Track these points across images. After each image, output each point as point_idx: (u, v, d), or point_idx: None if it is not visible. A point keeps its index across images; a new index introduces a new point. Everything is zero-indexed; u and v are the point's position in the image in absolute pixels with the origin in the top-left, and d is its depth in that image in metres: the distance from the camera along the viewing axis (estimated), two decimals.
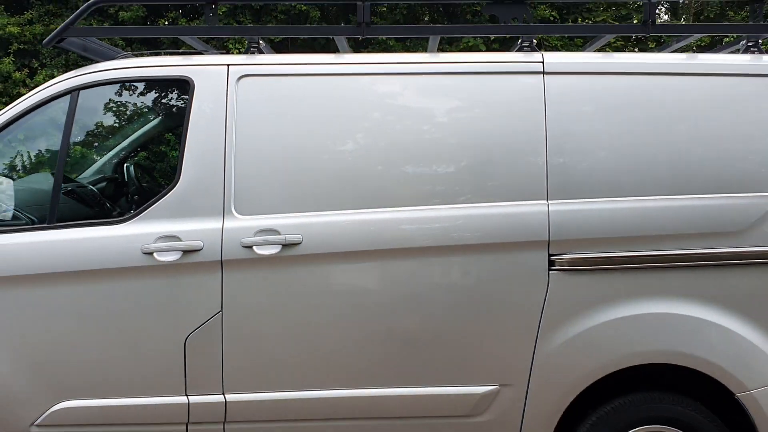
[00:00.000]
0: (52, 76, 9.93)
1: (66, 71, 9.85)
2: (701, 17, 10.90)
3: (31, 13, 10.34)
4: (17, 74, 10.09)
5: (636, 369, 3.12)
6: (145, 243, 3.09)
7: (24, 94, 9.13)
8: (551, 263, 3.06)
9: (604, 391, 3.15)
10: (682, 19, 11.33)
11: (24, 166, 3.90)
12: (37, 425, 3.18)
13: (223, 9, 9.60)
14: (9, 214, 3.41)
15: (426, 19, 10.85)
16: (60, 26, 3.34)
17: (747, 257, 3.06)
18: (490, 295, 3.10)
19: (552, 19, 10.40)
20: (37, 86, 8.51)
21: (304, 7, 9.92)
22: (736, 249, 3.06)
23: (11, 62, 10.02)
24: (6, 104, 10.01)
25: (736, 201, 3.09)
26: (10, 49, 10.14)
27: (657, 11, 9.96)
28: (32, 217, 3.48)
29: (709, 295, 3.07)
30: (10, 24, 10.00)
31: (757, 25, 3.36)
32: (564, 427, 3.17)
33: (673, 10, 11.61)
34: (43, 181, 3.90)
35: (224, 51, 5.33)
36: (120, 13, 10.12)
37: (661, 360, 3.09)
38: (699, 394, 3.19)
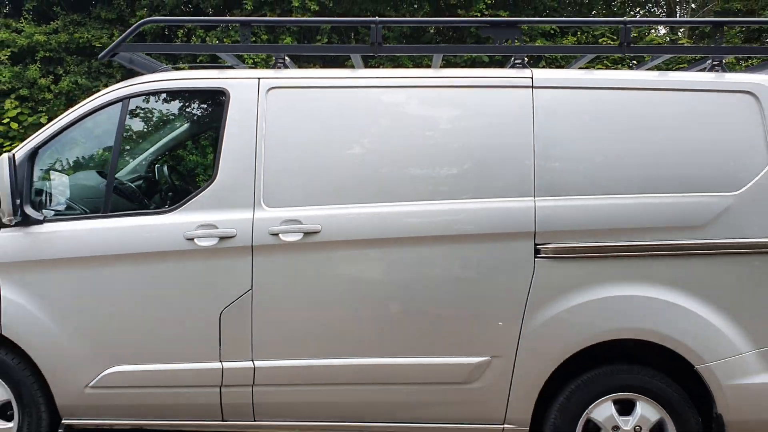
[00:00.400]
0: (76, 83, 10.48)
1: (88, 78, 10.35)
2: (696, 31, 11.42)
3: (56, 23, 10.85)
4: (42, 80, 10.58)
5: (610, 344, 3.58)
6: (187, 230, 3.59)
7: (49, 99, 9.63)
8: (537, 251, 3.53)
9: (583, 363, 3.61)
10: (679, 33, 11.84)
11: (79, 164, 4.40)
12: (91, 387, 3.68)
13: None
14: (65, 206, 3.91)
15: (431, 30, 11.39)
16: (114, 43, 3.85)
17: (708, 248, 3.51)
18: (484, 279, 3.57)
19: (552, 32, 10.93)
20: (60, 92, 9.01)
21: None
22: (698, 240, 3.51)
23: (37, 69, 10.54)
24: (32, 108, 10.54)
25: (700, 199, 3.54)
26: (37, 56, 10.65)
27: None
28: (84, 208, 3.99)
29: (674, 280, 3.52)
30: (36, 33, 10.51)
31: (719, 47, 3.84)
32: (547, 393, 3.63)
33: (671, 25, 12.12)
34: (90, 177, 4.40)
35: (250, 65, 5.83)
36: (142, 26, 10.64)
37: (631, 336, 3.55)
38: (664, 366, 3.64)
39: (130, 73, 10.47)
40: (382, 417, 3.69)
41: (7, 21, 10.83)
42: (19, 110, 10.49)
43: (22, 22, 10.74)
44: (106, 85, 10.63)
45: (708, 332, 3.50)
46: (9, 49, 10.53)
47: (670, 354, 3.55)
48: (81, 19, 10.99)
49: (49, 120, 10.45)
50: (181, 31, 10.78)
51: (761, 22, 4.50)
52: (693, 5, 12.12)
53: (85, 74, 10.74)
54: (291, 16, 10.39)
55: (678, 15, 12.20)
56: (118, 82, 10.33)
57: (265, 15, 10.46)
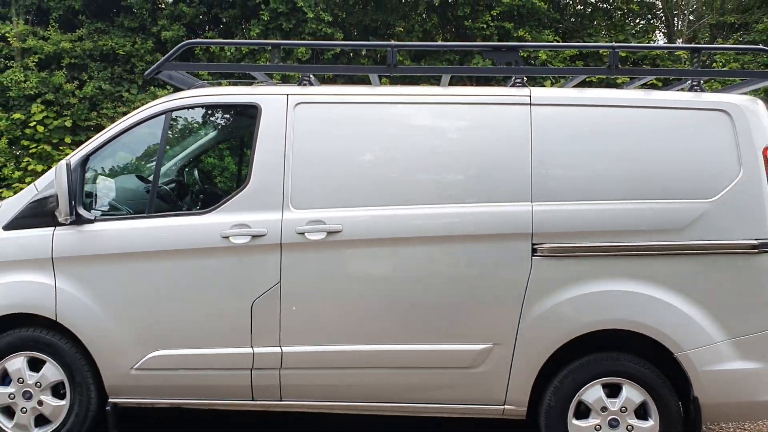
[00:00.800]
0: (99, 88, 10.97)
1: (111, 84, 10.77)
2: (693, 42, 11.83)
3: (81, 31, 11.33)
4: (68, 85, 11.06)
5: (599, 334, 4.00)
6: (223, 229, 4.04)
7: (73, 103, 10.11)
8: (534, 251, 3.96)
9: (575, 351, 4.03)
10: (678, 42, 12.25)
11: (124, 170, 4.86)
12: (136, 369, 4.12)
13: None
14: (111, 206, 4.37)
15: (439, 40, 11.83)
16: (159, 62, 4.29)
17: (686, 249, 3.94)
18: (486, 274, 4.01)
19: (556, 41, 11.37)
20: (84, 97, 9.52)
21: (329, 30, 10.94)
22: (678, 242, 3.94)
23: (63, 75, 11.02)
24: (57, 112, 11.03)
25: (679, 205, 3.96)
26: (62, 63, 11.14)
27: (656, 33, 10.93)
28: (127, 209, 4.45)
29: (656, 277, 3.94)
30: (63, 40, 11.01)
31: (697, 70, 4.27)
32: (543, 377, 4.06)
33: (669, 36, 12.54)
34: (132, 181, 4.85)
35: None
36: (162, 33, 11.11)
37: (618, 326, 3.97)
38: (647, 354, 4.04)
39: (150, 79, 10.99)
40: (396, 398, 4.13)
41: (34, 29, 11.30)
42: (45, 114, 11.00)
43: (49, 30, 11.21)
44: (128, 91, 11.16)
45: (686, 323, 3.92)
46: (36, 56, 11.05)
47: (652, 343, 3.97)
48: (105, 28, 11.47)
49: (74, 123, 10.96)
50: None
51: (735, 48, 4.91)
52: (690, 17, 12.53)
53: (108, 80, 11.23)
54: (305, 27, 10.86)
55: (676, 26, 12.59)
56: (139, 87, 10.85)
57: (281, 25, 10.93)
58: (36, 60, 11.08)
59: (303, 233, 4.00)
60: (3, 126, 10.92)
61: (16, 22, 11.34)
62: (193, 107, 4.42)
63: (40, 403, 4.17)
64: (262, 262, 4.04)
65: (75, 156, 4.19)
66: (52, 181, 4.14)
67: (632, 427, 3.96)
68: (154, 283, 4.10)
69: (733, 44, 11.32)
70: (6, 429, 4.18)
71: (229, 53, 10.88)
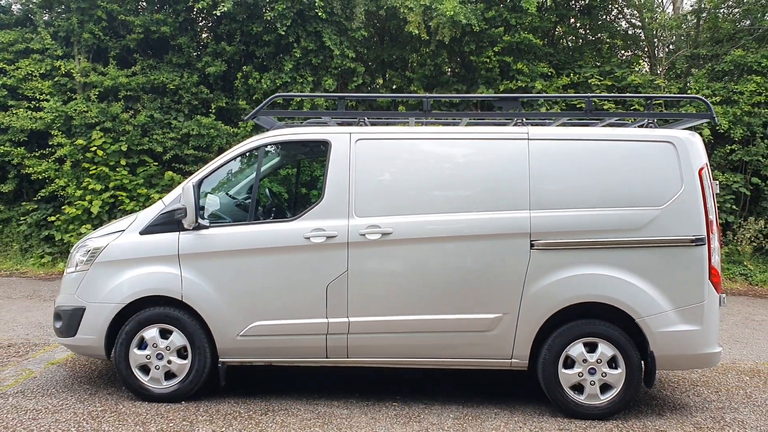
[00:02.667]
0: (151, 117, 12.39)
1: (161, 112, 12.39)
2: (671, 73, 13.28)
3: (135, 67, 12.78)
4: (124, 115, 12.51)
5: (581, 305, 5.35)
6: (305, 232, 5.46)
7: (128, 130, 11.71)
8: (532, 245, 5.37)
9: (563, 318, 5.40)
10: (659, 71, 13.72)
11: (227, 188, 6.27)
12: (241, 336, 5.49)
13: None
14: (217, 216, 5.79)
15: (448, 72, 13.30)
16: (255, 110, 5.74)
17: (643, 243, 5.32)
18: (497, 263, 5.40)
19: (549, 74, 12.84)
20: (138, 124, 11.19)
21: (352, 65, 12.42)
22: (637, 238, 5.31)
23: (120, 105, 12.47)
24: (114, 138, 12.45)
25: (638, 211, 5.35)
26: (119, 95, 12.58)
27: (641, 62, 12.46)
28: (228, 218, 5.87)
29: (622, 263, 5.30)
30: (119, 76, 12.45)
31: (651, 113, 5.71)
32: (539, 338, 5.44)
33: (651, 65, 14.02)
34: (225, 197, 6.24)
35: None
36: (207, 68, 12.56)
37: (594, 300, 5.32)
38: (616, 320, 5.39)
39: (195, 109, 12.55)
40: (432, 355, 5.50)
41: (94, 65, 12.75)
42: (103, 140, 12.42)
43: (108, 67, 12.63)
44: (175, 119, 12.61)
45: (644, 297, 5.28)
46: (96, 89, 12.47)
47: (619, 312, 5.32)
48: (155, 64, 12.89)
49: (128, 148, 12.39)
50: (240, 73, 12.65)
51: (678, 97, 6.33)
52: (669, 47, 13.99)
53: (158, 109, 12.66)
54: (332, 62, 12.32)
55: (657, 55, 14.03)
56: (185, 117, 12.33)
57: (310, 61, 12.38)
58: (96, 93, 12.49)
59: (364, 234, 5.41)
60: (67, 150, 12.33)
61: (78, 60, 12.80)
62: (280, 143, 5.91)
63: (169, 362, 5.55)
64: (334, 256, 5.43)
65: (194, 179, 5.61)
66: (178, 197, 5.58)
67: (605, 373, 5.33)
68: (255, 271, 5.48)
69: (705, 73, 12.83)
70: (143, 381, 5.58)
71: (265, 85, 12.33)
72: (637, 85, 12.49)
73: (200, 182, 5.63)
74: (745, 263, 12.66)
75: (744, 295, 11.72)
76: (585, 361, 5.36)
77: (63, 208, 12.52)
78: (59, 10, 13.09)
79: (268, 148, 6.05)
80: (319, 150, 5.99)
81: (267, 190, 6.67)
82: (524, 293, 5.37)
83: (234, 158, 5.77)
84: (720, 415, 5.60)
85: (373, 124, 6.16)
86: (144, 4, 13.36)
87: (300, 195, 9.07)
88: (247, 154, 5.82)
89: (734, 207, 12.91)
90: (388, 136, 5.69)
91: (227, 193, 6.33)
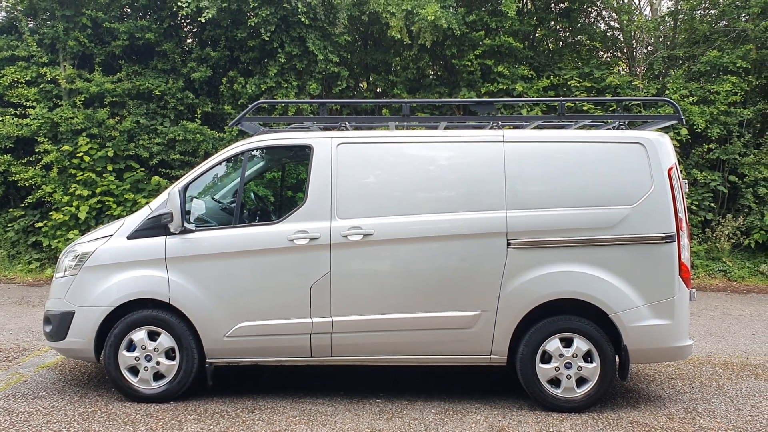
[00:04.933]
0: (137, 122, 12.47)
1: (147, 118, 12.46)
2: (649, 74, 13.54)
3: (121, 74, 12.85)
4: (110, 121, 12.58)
5: (557, 302, 5.51)
6: (288, 234, 5.61)
7: (114, 136, 11.79)
8: (509, 244, 5.53)
9: (540, 314, 5.55)
10: (638, 71, 13.96)
11: (211, 193, 6.42)
12: (227, 336, 5.62)
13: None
14: (202, 220, 5.93)
15: (431, 75, 13.48)
16: (239, 116, 5.90)
17: (615, 240, 5.49)
18: (476, 262, 5.56)
19: (530, 76, 13.06)
20: (124, 130, 11.30)
21: (336, 69, 12.58)
22: (609, 236, 5.48)
23: (106, 112, 12.55)
24: (100, 144, 12.52)
25: (610, 210, 5.52)
26: (105, 101, 12.66)
27: (619, 59, 12.75)
28: (213, 221, 6.01)
29: (595, 260, 5.47)
30: (105, 82, 12.53)
31: (622, 115, 5.92)
32: (517, 334, 5.60)
33: (630, 66, 14.27)
34: (210, 201, 6.38)
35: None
36: (192, 74, 12.67)
37: (569, 296, 5.49)
38: (591, 316, 5.55)
39: (181, 114, 12.66)
40: (414, 352, 5.65)
41: (80, 72, 12.83)
42: (90, 146, 12.50)
43: (93, 74, 12.71)
44: (161, 124, 12.69)
45: (616, 293, 5.44)
46: (82, 96, 12.56)
47: (593, 307, 5.48)
48: (141, 70, 12.99)
49: (115, 153, 12.46)
50: (225, 79, 12.79)
51: (648, 100, 6.51)
52: (647, 48, 14.25)
53: (144, 115, 12.75)
54: (316, 67, 12.48)
55: (636, 56, 14.28)
56: (171, 122, 12.41)
57: (294, 65, 12.53)
58: (82, 99, 12.57)
59: (346, 236, 5.56)
60: (54, 157, 12.40)
61: (64, 66, 12.87)
62: (263, 148, 6.06)
63: (158, 363, 5.69)
64: (317, 257, 5.58)
65: (180, 184, 5.75)
66: (164, 202, 5.72)
67: (581, 367, 5.51)
68: (240, 273, 5.62)
69: (682, 74, 13.10)
70: (132, 382, 5.70)
71: (250, 90, 12.48)
72: (616, 87, 12.73)
73: (186, 187, 5.75)
74: (724, 260, 12.92)
75: (722, 291, 11.97)
76: (561, 355, 5.53)
77: (50, 214, 12.58)
78: (44, 17, 13.15)
79: (252, 153, 6.21)
80: (302, 154, 6.16)
81: (252, 194, 6.83)
82: (502, 291, 5.53)
83: (219, 163, 5.91)
84: (692, 406, 5.80)
85: (355, 129, 6.32)
86: (129, 10, 13.44)
87: (285, 198, 9.27)
88: (232, 159, 5.97)
89: (712, 205, 13.18)
90: (369, 140, 5.85)
91: (213, 198, 6.47)
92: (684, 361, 7.11)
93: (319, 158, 5.72)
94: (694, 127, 12.49)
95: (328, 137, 5.80)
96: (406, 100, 5.83)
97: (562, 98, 5.83)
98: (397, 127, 6.39)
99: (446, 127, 6.33)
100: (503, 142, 5.71)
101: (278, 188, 10.02)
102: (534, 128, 6.27)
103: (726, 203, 13.47)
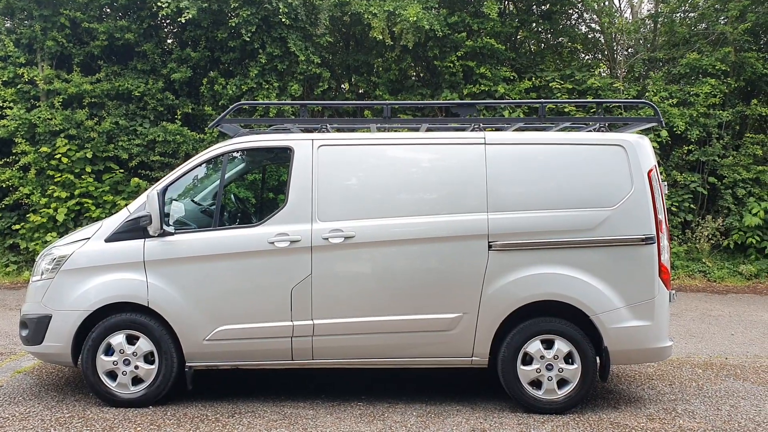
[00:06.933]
0: (116, 123, 12.37)
1: (126, 119, 12.35)
2: (629, 76, 13.65)
3: (100, 74, 12.74)
4: (88, 122, 12.46)
5: (538, 304, 5.52)
6: (269, 237, 5.57)
7: (93, 137, 11.68)
8: (490, 246, 5.53)
9: (521, 316, 5.55)
10: (618, 73, 14.07)
11: (191, 196, 6.35)
12: (207, 340, 5.57)
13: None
14: (182, 222, 5.86)
15: (413, 77, 13.49)
16: (219, 117, 5.85)
17: (596, 242, 5.50)
18: (457, 264, 5.55)
19: (512, 78, 13.11)
20: (103, 131, 11.20)
21: (318, 70, 12.54)
22: (590, 238, 5.50)
23: (84, 113, 12.42)
24: (79, 145, 12.40)
25: (590, 212, 5.54)
26: (84, 102, 12.54)
27: (600, 66, 12.82)
28: (193, 224, 5.95)
29: (575, 262, 5.48)
30: (84, 82, 12.41)
31: (602, 117, 5.95)
32: (498, 336, 5.60)
33: (611, 68, 14.38)
34: (189, 204, 6.32)
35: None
36: (172, 74, 12.58)
37: (550, 298, 5.50)
38: (572, 317, 5.56)
39: (161, 115, 12.59)
40: (396, 355, 5.63)
41: (58, 72, 12.69)
42: (68, 147, 12.37)
43: (71, 74, 12.58)
44: (141, 125, 12.60)
45: (597, 295, 5.46)
46: (60, 96, 12.43)
47: (574, 309, 5.50)
48: (120, 71, 12.88)
49: (93, 155, 12.35)
50: (205, 80, 12.72)
51: (628, 102, 6.57)
52: (627, 51, 14.37)
53: (124, 116, 12.65)
54: (298, 68, 12.44)
55: (617, 58, 14.40)
56: (151, 123, 12.33)
57: (276, 66, 12.48)
58: (60, 100, 12.43)
59: (327, 238, 5.53)
60: (31, 158, 12.26)
61: (42, 67, 12.72)
62: (244, 150, 6.01)
63: (136, 367, 5.61)
64: (298, 260, 5.54)
65: (159, 186, 5.68)
66: (143, 204, 5.65)
67: (562, 369, 5.52)
68: (220, 276, 5.56)
69: (662, 76, 13.21)
70: (111, 387, 5.62)
71: (231, 91, 12.42)
72: (596, 89, 12.82)
73: (165, 189, 5.69)
74: (704, 260, 13.04)
75: (702, 292, 12.09)
76: (542, 357, 5.53)
77: (28, 216, 12.44)
78: (21, 17, 12.99)
79: (233, 155, 6.15)
80: (283, 156, 6.11)
81: (232, 196, 6.78)
82: (483, 293, 5.52)
83: (198, 165, 5.86)
84: (672, 406, 5.84)
85: (337, 130, 6.29)
86: (108, 10, 13.31)
87: (265, 200, 9.22)
88: (212, 161, 5.91)
89: (692, 206, 13.31)
90: (349, 142, 5.83)
91: (192, 200, 6.41)
92: (664, 362, 7.16)
93: (300, 160, 5.69)
94: (674, 129, 12.60)
95: (309, 139, 5.76)
96: (387, 102, 5.80)
97: (543, 100, 5.86)
98: (378, 129, 6.35)
99: (428, 129, 6.31)
100: (485, 144, 5.70)
101: (259, 190, 9.96)
102: (515, 130, 6.27)
103: (705, 204, 13.61)
